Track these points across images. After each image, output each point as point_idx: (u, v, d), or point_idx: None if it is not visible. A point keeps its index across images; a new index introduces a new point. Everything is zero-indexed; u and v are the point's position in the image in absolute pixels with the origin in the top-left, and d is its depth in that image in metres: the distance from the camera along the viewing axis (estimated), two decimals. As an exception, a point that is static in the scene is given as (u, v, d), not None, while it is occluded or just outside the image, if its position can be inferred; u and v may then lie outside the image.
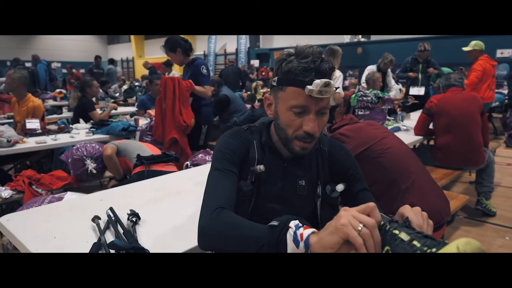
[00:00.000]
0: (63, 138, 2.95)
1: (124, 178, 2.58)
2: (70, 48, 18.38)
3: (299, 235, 0.66)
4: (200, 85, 3.02)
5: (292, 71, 0.88)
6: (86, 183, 3.12)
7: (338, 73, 3.52)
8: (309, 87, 0.85)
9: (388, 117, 3.44)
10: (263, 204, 1.01)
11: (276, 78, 0.93)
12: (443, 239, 2.19)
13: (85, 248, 1.05)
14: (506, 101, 6.50)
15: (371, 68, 4.95)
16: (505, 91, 6.95)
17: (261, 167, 0.98)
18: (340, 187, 0.99)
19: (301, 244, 0.65)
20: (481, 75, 4.37)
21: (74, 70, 10.65)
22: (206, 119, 3.20)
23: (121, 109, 5.11)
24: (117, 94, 7.16)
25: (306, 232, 0.66)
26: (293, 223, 0.68)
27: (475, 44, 4.51)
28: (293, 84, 0.89)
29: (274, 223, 0.71)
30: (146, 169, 2.15)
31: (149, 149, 2.52)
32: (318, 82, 0.85)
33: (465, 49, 4.63)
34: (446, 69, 5.35)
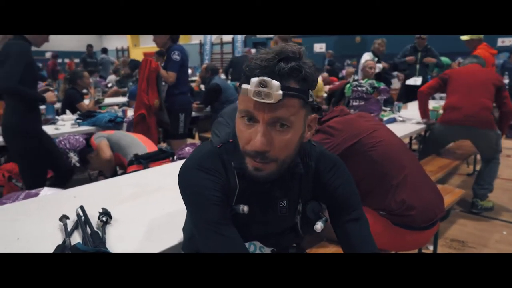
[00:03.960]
0: (47, 130, 2.84)
1: (115, 174, 2.39)
2: (62, 37, 17.96)
3: None
4: (167, 70, 3.11)
5: (248, 67, 0.72)
6: (74, 176, 3.02)
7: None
8: (244, 85, 0.69)
9: (384, 108, 3.35)
10: (244, 228, 0.84)
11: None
12: (437, 236, 2.11)
13: (49, 251, 0.98)
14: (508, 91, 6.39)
15: (366, 56, 4.78)
16: (506, 81, 6.83)
17: (245, 208, 0.80)
18: (318, 227, 0.84)
19: None
20: (480, 64, 4.26)
21: (68, 60, 10.50)
22: (183, 107, 3.26)
23: (111, 100, 4.99)
24: (109, 85, 6.98)
25: None
26: None
27: (473, 32, 4.40)
28: (241, 83, 0.72)
29: None
30: (144, 169, 2.01)
31: (143, 143, 2.34)
32: (254, 80, 0.67)
33: (463, 38, 4.50)
34: (444, 59, 5.23)
